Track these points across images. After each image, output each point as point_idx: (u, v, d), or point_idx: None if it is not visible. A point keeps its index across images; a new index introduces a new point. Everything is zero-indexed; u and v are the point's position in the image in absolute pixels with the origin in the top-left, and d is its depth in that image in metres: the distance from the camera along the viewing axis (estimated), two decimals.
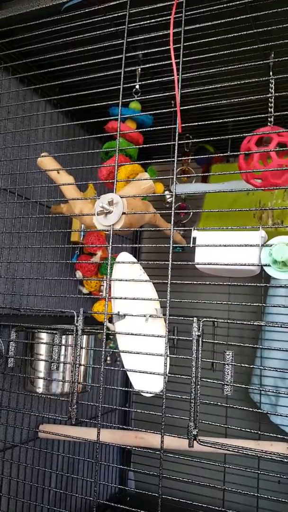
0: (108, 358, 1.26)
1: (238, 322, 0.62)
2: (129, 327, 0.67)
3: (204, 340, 0.60)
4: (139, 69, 0.90)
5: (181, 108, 0.66)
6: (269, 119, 0.85)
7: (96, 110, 1.12)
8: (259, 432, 0.58)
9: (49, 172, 0.87)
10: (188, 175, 1.26)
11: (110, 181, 0.73)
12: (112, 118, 0.92)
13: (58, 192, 1.05)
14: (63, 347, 0.79)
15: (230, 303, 0.63)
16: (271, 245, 0.60)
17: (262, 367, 1.00)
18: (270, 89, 0.84)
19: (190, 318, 0.62)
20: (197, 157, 1.26)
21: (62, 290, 1.19)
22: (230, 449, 0.62)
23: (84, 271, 1.18)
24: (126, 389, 0.70)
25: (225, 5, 0.70)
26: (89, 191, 1.20)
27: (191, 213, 1.21)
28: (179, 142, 0.66)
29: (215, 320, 1.21)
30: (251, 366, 0.64)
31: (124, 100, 0.75)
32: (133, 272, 0.69)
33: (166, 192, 0.97)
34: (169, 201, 0.99)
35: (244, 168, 0.86)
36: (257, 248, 0.61)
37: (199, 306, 1.31)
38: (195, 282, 0.62)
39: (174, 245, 0.62)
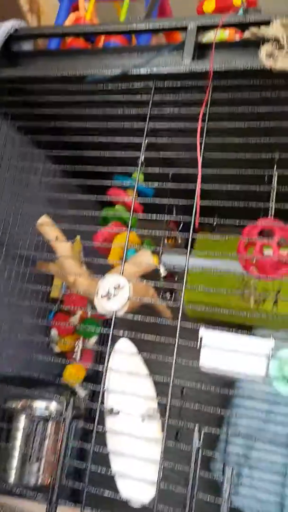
0: None
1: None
2: (122, 425, 0.63)
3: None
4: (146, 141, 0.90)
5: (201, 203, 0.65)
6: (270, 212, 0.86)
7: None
8: None
9: (46, 234, 0.84)
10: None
11: (106, 245, 0.71)
12: (115, 185, 0.91)
13: (45, 248, 1.01)
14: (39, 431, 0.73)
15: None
16: (282, 358, 0.59)
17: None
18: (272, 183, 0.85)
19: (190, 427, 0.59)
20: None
21: (33, 348, 1.13)
22: None
23: (61, 330, 1.13)
24: (114, 494, 0.65)
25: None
26: (75, 244, 1.17)
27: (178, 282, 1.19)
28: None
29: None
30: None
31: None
32: (132, 364, 0.66)
33: (161, 267, 0.95)
34: (163, 275, 0.97)
35: (244, 254, 0.86)
36: (266, 357, 0.60)
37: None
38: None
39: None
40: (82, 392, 1.18)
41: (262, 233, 0.89)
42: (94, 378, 1.35)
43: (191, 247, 1.28)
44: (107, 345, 0.64)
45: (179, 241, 1.27)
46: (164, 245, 1.15)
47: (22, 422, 0.70)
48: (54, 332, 1.13)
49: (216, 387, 0.62)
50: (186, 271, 0.67)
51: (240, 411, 1.21)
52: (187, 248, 1.27)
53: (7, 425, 0.70)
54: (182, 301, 0.67)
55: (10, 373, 0.99)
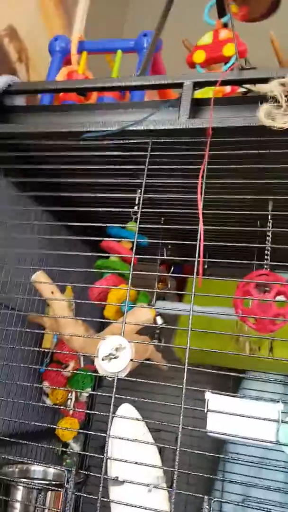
0: None
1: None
2: (127, 495, 0.60)
3: None
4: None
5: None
6: (265, 266, 0.85)
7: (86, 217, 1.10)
8: None
9: (41, 289, 0.82)
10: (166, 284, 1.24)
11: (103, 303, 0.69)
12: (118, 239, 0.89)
13: (36, 300, 0.99)
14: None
15: None
16: None
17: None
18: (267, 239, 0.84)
19: (200, 495, 0.56)
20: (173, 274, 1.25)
21: (25, 401, 1.09)
22: None
23: (53, 383, 1.09)
24: None
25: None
26: (66, 293, 1.14)
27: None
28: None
29: None
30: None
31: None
32: (135, 431, 0.63)
33: (158, 318, 0.94)
34: (160, 325, 0.95)
35: (240, 307, 0.85)
36: (275, 422, 0.58)
37: None
38: None
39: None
40: (76, 447, 1.14)
41: (258, 284, 0.89)
42: (86, 426, 1.31)
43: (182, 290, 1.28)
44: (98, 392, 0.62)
45: (169, 285, 1.26)
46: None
47: (19, 493, 0.66)
48: (45, 383, 1.09)
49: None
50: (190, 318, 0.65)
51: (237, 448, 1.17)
52: (179, 291, 1.27)
53: (4, 495, 0.66)
54: (187, 352, 0.65)
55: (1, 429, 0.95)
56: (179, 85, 0.73)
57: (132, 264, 0.70)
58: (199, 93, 0.80)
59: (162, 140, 0.71)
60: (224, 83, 0.72)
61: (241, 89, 0.82)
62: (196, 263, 0.65)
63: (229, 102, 0.71)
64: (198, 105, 0.73)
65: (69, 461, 1.17)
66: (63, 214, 1.05)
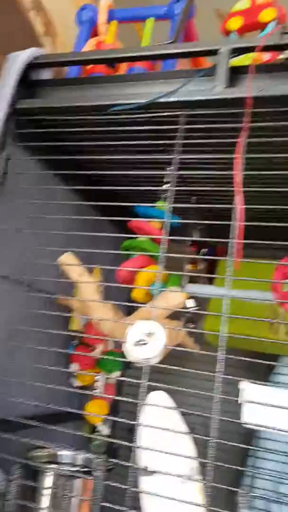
0: None
1: None
2: (158, 486, 0.58)
3: None
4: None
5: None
6: None
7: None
8: None
9: (69, 272, 0.80)
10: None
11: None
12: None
13: (64, 282, 0.97)
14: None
15: None
16: None
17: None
18: None
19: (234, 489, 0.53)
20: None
21: (52, 381, 1.07)
22: None
23: (82, 365, 1.08)
24: None
25: None
26: (94, 275, 1.12)
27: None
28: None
29: None
30: None
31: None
32: (168, 419, 0.60)
33: (190, 302, 0.90)
34: (191, 309, 0.91)
35: (280, 292, 0.81)
36: None
37: None
38: None
39: None
40: (104, 429, 1.13)
41: None
42: (114, 411, 1.30)
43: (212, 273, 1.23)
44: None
45: (201, 267, 1.22)
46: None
47: (48, 479, 0.65)
48: (74, 366, 1.08)
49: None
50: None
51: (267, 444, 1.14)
52: (210, 274, 1.23)
53: (33, 482, 0.65)
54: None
55: (29, 412, 0.94)
56: (214, 52, 0.68)
57: (163, 245, 0.66)
58: (235, 62, 0.75)
59: (196, 112, 0.66)
60: (264, 49, 0.66)
61: (282, 56, 0.76)
62: (232, 244, 0.60)
63: (270, 70, 0.65)
64: (234, 74, 0.67)
65: (97, 442, 1.17)
66: (90, 193, 1.02)
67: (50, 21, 1.19)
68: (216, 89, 0.64)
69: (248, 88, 0.62)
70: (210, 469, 0.54)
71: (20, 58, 0.76)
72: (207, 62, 0.82)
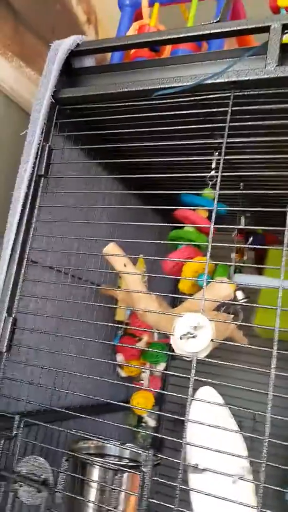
0: None
1: None
2: (208, 484, 0.56)
3: None
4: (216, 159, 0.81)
5: None
6: None
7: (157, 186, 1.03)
8: None
9: (113, 262, 0.78)
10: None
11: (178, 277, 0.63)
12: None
13: (109, 272, 0.96)
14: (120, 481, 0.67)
15: None
16: None
17: None
18: None
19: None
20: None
21: (99, 372, 1.08)
22: None
23: (127, 355, 1.07)
24: None
25: None
26: (138, 266, 1.11)
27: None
28: None
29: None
30: None
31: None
32: (218, 416, 0.58)
33: (239, 293, 0.87)
34: (241, 300, 0.88)
35: None
36: None
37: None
38: None
39: None
40: (151, 421, 1.12)
41: None
42: (160, 400, 1.29)
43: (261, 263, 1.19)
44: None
45: (247, 257, 1.17)
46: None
47: (96, 472, 0.65)
48: (120, 356, 1.07)
49: None
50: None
51: None
52: (257, 264, 1.18)
53: (80, 474, 0.65)
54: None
55: (75, 402, 0.95)
56: (265, 29, 0.63)
57: (210, 235, 0.63)
58: (285, 40, 0.70)
59: (246, 93, 0.63)
60: None
61: None
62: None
63: None
64: (287, 52, 0.63)
65: (143, 433, 1.16)
66: (134, 182, 1.00)
67: (93, 9, 1.17)
68: (268, 67, 0.60)
69: None
70: (263, 469, 0.52)
71: (62, 46, 0.75)
72: (255, 42, 0.78)
